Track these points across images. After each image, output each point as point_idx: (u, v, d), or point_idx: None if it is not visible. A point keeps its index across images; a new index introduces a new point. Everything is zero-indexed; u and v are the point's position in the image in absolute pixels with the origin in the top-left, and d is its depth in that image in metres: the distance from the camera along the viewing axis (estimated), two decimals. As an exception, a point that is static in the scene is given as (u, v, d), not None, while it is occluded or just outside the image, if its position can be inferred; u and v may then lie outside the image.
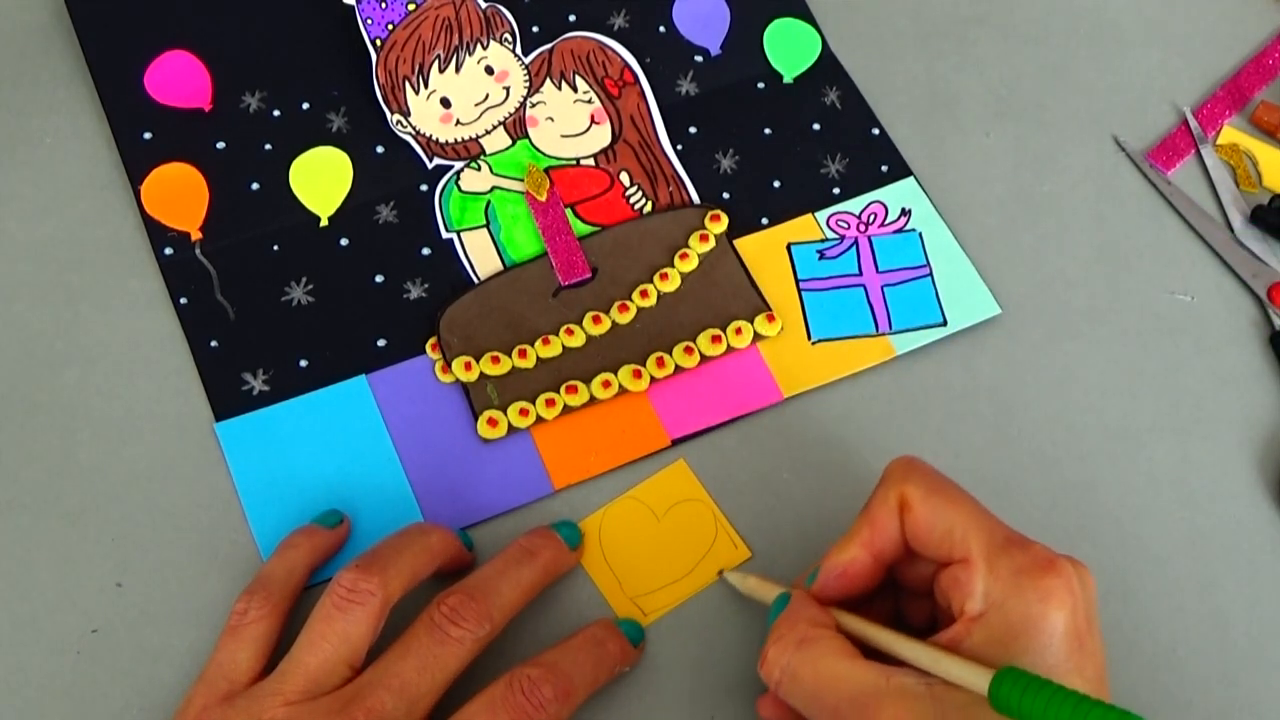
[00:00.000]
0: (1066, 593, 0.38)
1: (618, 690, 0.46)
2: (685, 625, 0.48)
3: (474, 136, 0.58)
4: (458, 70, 0.58)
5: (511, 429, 0.51)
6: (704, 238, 0.56)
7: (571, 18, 0.61)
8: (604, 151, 0.58)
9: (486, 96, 0.58)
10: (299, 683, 0.41)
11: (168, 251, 0.54)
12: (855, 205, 0.58)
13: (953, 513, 0.41)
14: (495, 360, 0.52)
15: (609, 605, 0.48)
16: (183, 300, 0.53)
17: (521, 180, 0.57)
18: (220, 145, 0.57)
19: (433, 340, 0.53)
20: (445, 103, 0.58)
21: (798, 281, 0.56)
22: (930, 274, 0.57)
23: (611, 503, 0.50)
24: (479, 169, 0.57)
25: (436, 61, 0.58)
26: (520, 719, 0.41)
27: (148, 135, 0.57)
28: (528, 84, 0.59)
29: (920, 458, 0.44)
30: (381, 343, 0.53)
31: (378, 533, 0.49)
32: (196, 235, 0.55)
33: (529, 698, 0.42)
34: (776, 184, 0.58)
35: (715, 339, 0.54)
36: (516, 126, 0.58)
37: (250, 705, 0.41)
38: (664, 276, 0.55)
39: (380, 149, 0.57)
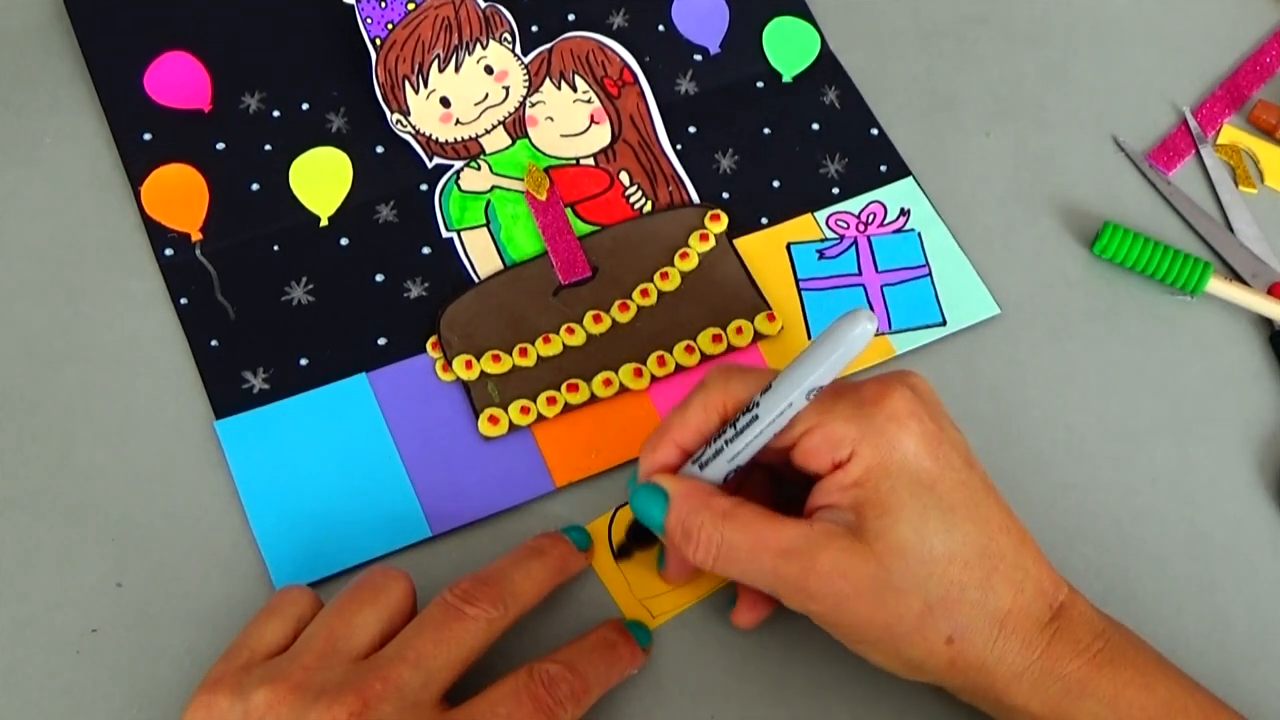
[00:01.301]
0: (907, 415, 0.42)
1: (618, 690, 0.46)
2: (685, 625, 0.48)
3: (474, 136, 0.58)
4: (457, 70, 0.58)
5: (513, 427, 0.51)
6: (704, 237, 0.56)
7: (570, 17, 0.61)
8: (604, 151, 0.58)
9: (486, 96, 0.58)
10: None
11: (168, 252, 0.54)
12: (854, 205, 0.58)
13: None
14: (496, 359, 0.52)
15: (618, 606, 0.48)
16: (183, 300, 0.53)
17: (521, 180, 0.57)
18: (220, 146, 0.57)
19: (433, 339, 0.53)
20: (445, 102, 0.58)
21: (797, 281, 0.56)
22: (929, 274, 0.57)
23: (623, 504, 0.50)
24: (479, 168, 0.57)
25: (436, 61, 0.58)
26: (541, 710, 0.41)
27: (148, 136, 0.57)
28: (527, 83, 0.59)
29: (731, 364, 0.47)
30: (382, 341, 0.53)
31: (379, 531, 0.49)
32: (197, 236, 0.55)
33: (549, 692, 0.42)
34: (776, 184, 0.58)
35: (716, 338, 0.54)
36: (516, 126, 0.58)
37: None
38: (664, 276, 0.55)
39: (380, 149, 0.57)
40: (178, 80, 0.58)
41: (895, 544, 0.41)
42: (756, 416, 0.43)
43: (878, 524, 0.41)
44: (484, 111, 0.58)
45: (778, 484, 0.48)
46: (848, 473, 0.42)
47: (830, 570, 0.41)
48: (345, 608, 0.42)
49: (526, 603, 0.44)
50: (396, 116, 0.57)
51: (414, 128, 0.57)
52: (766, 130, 0.60)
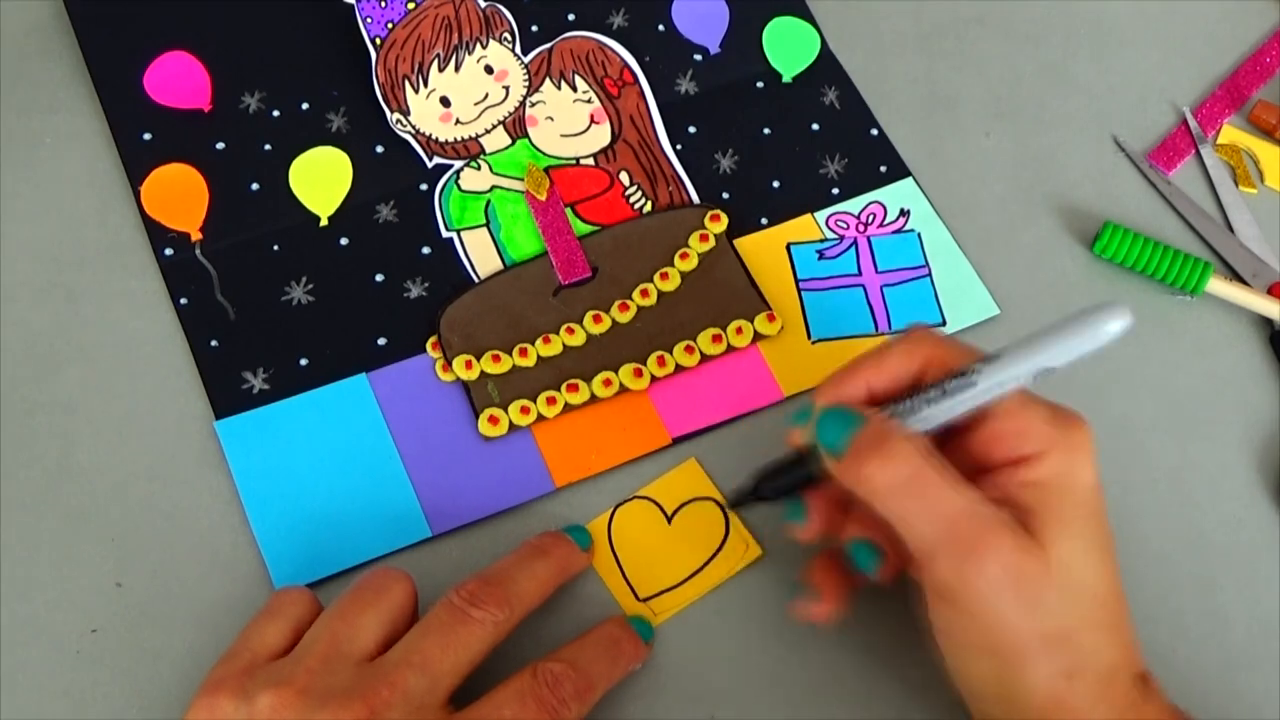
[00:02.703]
0: (1089, 446, 0.41)
1: (619, 689, 0.46)
2: (685, 625, 0.48)
3: (474, 136, 0.58)
4: (457, 69, 0.58)
5: (512, 427, 0.51)
6: (704, 237, 0.56)
7: (571, 17, 0.61)
8: (604, 151, 0.58)
9: (486, 96, 0.58)
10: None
11: (168, 252, 0.54)
12: (854, 205, 0.58)
13: None
14: (496, 359, 0.52)
15: (619, 605, 0.48)
16: (183, 300, 0.53)
17: (521, 179, 0.57)
18: (220, 145, 0.57)
19: (433, 339, 0.53)
20: (445, 102, 0.58)
21: (797, 281, 0.56)
22: (929, 274, 0.57)
23: (622, 502, 0.50)
24: (479, 168, 0.57)
25: (436, 60, 0.58)
26: (545, 710, 0.41)
27: (148, 136, 0.57)
28: (527, 83, 0.59)
29: (937, 330, 0.45)
30: (382, 341, 0.53)
31: (379, 531, 0.49)
32: (196, 236, 0.55)
33: (553, 692, 0.42)
34: (776, 184, 0.58)
35: (716, 338, 0.54)
36: (516, 126, 0.58)
37: None
38: (664, 276, 0.55)
39: (380, 148, 0.57)
40: (178, 80, 0.58)
41: (1059, 558, 0.40)
42: (973, 384, 0.41)
43: (1043, 533, 0.40)
44: (484, 111, 0.58)
45: None
46: (1030, 470, 0.41)
47: (999, 550, 0.39)
48: (348, 610, 0.42)
49: (531, 603, 0.44)
50: (396, 116, 0.57)
51: (414, 127, 0.57)
52: (766, 130, 0.60)
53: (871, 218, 0.58)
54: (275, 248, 0.55)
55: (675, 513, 0.50)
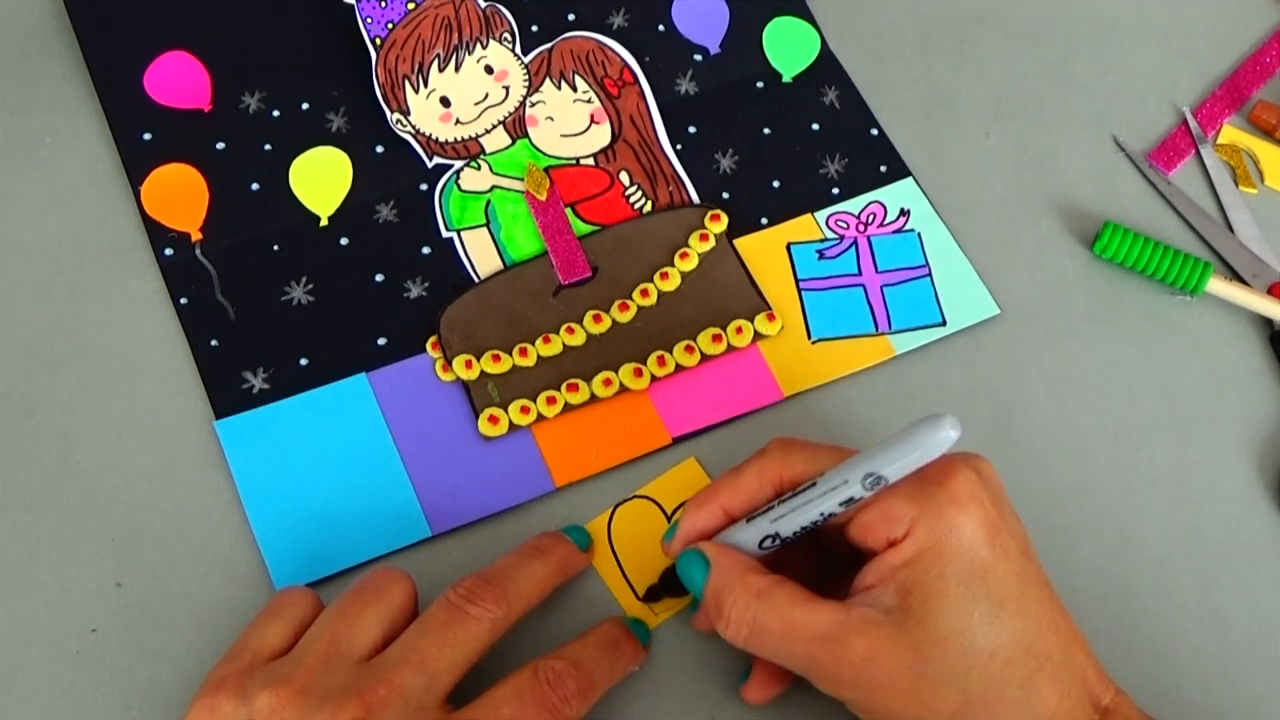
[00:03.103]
0: (969, 498, 0.41)
1: (618, 689, 0.46)
2: (686, 625, 0.48)
3: (474, 136, 0.58)
4: (457, 69, 0.58)
5: (512, 427, 0.51)
6: (704, 237, 0.56)
7: (571, 17, 0.61)
8: (604, 151, 0.58)
9: (486, 96, 0.58)
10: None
11: (168, 252, 0.54)
12: (854, 205, 0.58)
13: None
14: (496, 358, 0.52)
15: (619, 604, 0.48)
16: (183, 300, 0.53)
17: (521, 179, 0.57)
18: (220, 145, 0.57)
19: (433, 339, 0.53)
20: (445, 102, 0.58)
21: (797, 281, 0.56)
22: (929, 274, 0.57)
23: (622, 502, 0.50)
24: (479, 168, 0.57)
25: (436, 60, 0.58)
26: (546, 709, 0.41)
27: (147, 136, 0.57)
28: (527, 83, 0.59)
29: (795, 437, 0.46)
30: (382, 341, 0.53)
31: (379, 531, 0.49)
32: (196, 236, 0.55)
33: (554, 690, 0.41)
34: (776, 184, 0.59)
35: (716, 338, 0.54)
36: (516, 126, 0.58)
37: None
38: (664, 276, 0.55)
39: (380, 148, 0.57)
40: (178, 80, 0.58)
41: (936, 633, 0.39)
42: (810, 487, 0.42)
43: (921, 610, 0.40)
44: (484, 111, 0.58)
45: (822, 556, 0.47)
46: (900, 552, 0.40)
47: (864, 658, 0.40)
48: (348, 609, 0.42)
49: (529, 602, 0.44)
50: (396, 116, 0.57)
51: (414, 127, 0.57)
52: (766, 130, 0.60)
53: (871, 217, 0.58)
54: (275, 248, 0.55)
55: (675, 512, 0.50)
